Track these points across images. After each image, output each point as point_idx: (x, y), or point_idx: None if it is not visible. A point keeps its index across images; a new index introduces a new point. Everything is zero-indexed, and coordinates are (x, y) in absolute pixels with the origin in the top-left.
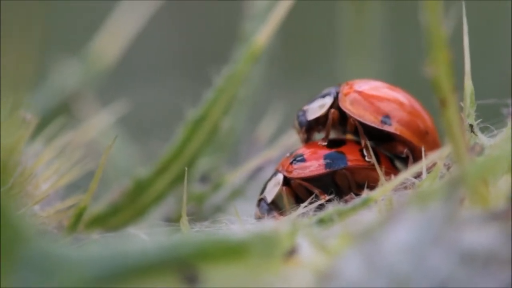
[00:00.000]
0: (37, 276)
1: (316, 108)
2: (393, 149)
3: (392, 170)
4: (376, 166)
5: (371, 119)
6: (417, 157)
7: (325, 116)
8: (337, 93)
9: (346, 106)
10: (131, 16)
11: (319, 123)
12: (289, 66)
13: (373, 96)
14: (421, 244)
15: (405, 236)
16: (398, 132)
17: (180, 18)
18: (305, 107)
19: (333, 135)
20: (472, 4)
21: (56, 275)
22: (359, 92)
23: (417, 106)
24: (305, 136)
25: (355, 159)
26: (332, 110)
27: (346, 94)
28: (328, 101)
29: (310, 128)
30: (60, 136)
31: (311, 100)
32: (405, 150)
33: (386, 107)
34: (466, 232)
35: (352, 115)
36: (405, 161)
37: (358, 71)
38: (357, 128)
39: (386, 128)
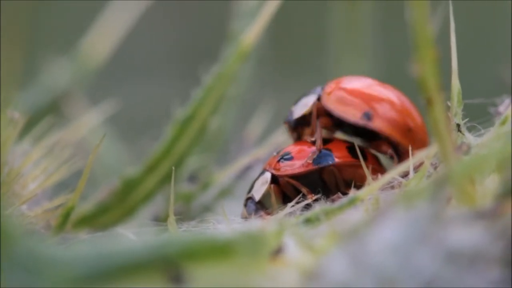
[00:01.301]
0: (25, 275)
1: (301, 107)
2: (378, 148)
3: (379, 168)
4: (362, 162)
5: (351, 116)
6: (406, 156)
7: (310, 114)
8: (319, 92)
9: (327, 103)
10: (121, 15)
11: (306, 121)
12: (278, 64)
13: (355, 93)
14: (408, 243)
15: (392, 235)
16: (378, 129)
17: (170, 17)
18: (292, 107)
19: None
20: (459, 3)
21: (44, 274)
22: (341, 89)
23: (404, 103)
24: (294, 135)
25: (342, 156)
26: (316, 107)
27: (328, 92)
28: (312, 99)
29: (297, 126)
30: (49, 135)
31: (297, 100)
32: (389, 151)
33: (367, 104)
34: (452, 231)
35: (333, 112)
36: (392, 161)
37: (349, 69)
38: (344, 126)
39: (366, 124)
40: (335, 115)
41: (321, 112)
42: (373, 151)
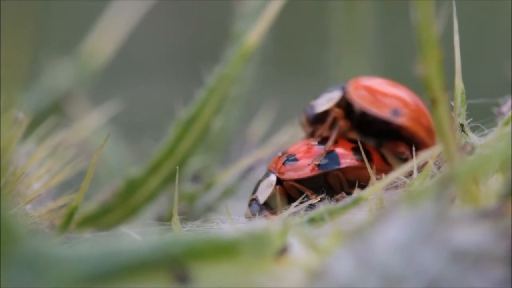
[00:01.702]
0: (29, 275)
1: (324, 102)
2: (395, 149)
3: (384, 167)
4: (368, 166)
5: (381, 112)
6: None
7: (331, 110)
8: (344, 89)
9: (355, 98)
10: (123, 16)
11: (326, 117)
12: (281, 65)
13: (382, 90)
14: (412, 242)
15: (396, 234)
16: (405, 125)
17: (172, 17)
18: (313, 102)
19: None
20: (462, 3)
21: (48, 274)
22: (368, 87)
23: (421, 104)
24: (310, 130)
25: (347, 159)
26: (336, 109)
27: (356, 88)
28: (337, 94)
29: (315, 122)
30: (52, 135)
31: (318, 95)
32: (407, 152)
33: (394, 101)
34: (456, 230)
35: (361, 107)
36: (401, 161)
37: (350, 69)
38: (364, 125)
39: (394, 120)
40: (362, 110)
41: (343, 109)
42: (389, 151)
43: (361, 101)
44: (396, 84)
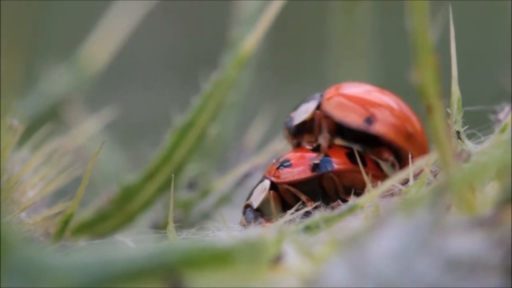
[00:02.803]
0: (24, 283)
1: (301, 113)
2: (379, 155)
3: (379, 173)
4: (362, 169)
5: (353, 120)
6: (406, 163)
7: (310, 120)
8: (321, 98)
9: (328, 109)
10: (120, 22)
11: (306, 127)
12: (277, 71)
13: (356, 99)
14: (408, 251)
15: (392, 243)
16: (380, 133)
17: (169, 23)
18: (292, 114)
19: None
20: (459, 9)
21: (43, 282)
22: (342, 95)
23: (404, 109)
24: (294, 141)
25: (341, 162)
26: (317, 113)
27: (328, 98)
28: (312, 105)
29: (297, 133)
30: (48, 142)
31: (297, 106)
32: (390, 158)
33: (369, 109)
34: (452, 238)
35: (334, 117)
36: (393, 167)
37: (348, 75)
38: (345, 133)
39: (368, 128)
40: (336, 120)
41: (321, 118)
42: (374, 158)
43: (332, 111)
44: (378, 90)
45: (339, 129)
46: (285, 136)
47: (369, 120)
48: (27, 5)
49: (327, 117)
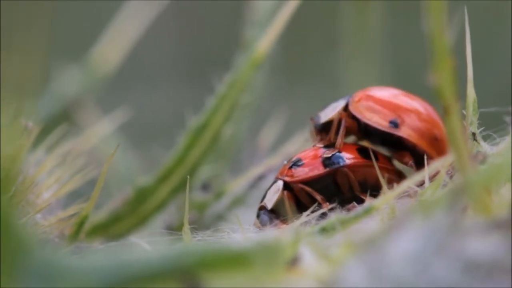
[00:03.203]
0: (41, 285)
1: (329, 111)
2: (401, 159)
3: (391, 167)
4: (374, 162)
5: (379, 122)
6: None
7: (336, 119)
8: (350, 99)
9: (356, 109)
10: (132, 23)
11: (331, 126)
12: (290, 73)
13: (383, 102)
14: (425, 253)
15: (409, 245)
16: (405, 136)
17: (180, 24)
18: (320, 112)
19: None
20: (473, 10)
21: (59, 284)
22: (369, 97)
23: (430, 112)
24: (318, 138)
25: (353, 157)
26: (343, 113)
27: (356, 99)
28: (341, 104)
29: (323, 131)
30: (62, 144)
31: (325, 106)
32: (410, 162)
33: (395, 112)
34: (469, 241)
35: (361, 118)
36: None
37: (360, 77)
38: (371, 135)
39: (393, 131)
40: (362, 122)
41: (349, 119)
42: (390, 156)
43: (359, 113)
44: (405, 94)
45: (364, 132)
46: (311, 133)
47: (394, 123)
48: (41, 7)
49: (353, 118)
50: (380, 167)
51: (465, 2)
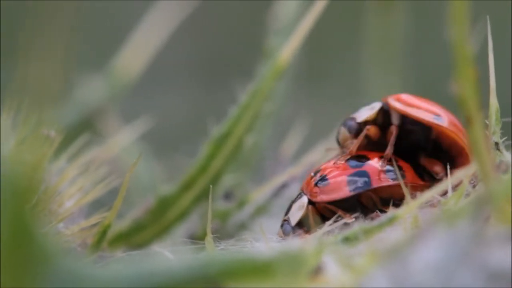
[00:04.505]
0: None
1: (366, 111)
2: (432, 166)
3: (418, 182)
4: (402, 183)
5: (425, 116)
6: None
7: (373, 120)
8: (385, 100)
9: (399, 106)
10: (153, 30)
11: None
12: (312, 81)
13: (420, 103)
14: (449, 262)
15: (433, 254)
16: (451, 129)
17: (199, 31)
18: (353, 115)
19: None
20: (497, 20)
21: None
22: (408, 97)
23: (456, 120)
24: (348, 143)
25: (379, 178)
26: (368, 126)
27: (396, 99)
28: (377, 105)
29: (359, 132)
30: (84, 153)
31: (357, 110)
32: (441, 174)
33: (435, 109)
34: (493, 250)
35: (408, 110)
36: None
37: (383, 87)
38: (403, 138)
39: (440, 123)
40: (405, 115)
41: (382, 122)
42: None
43: (404, 108)
44: (431, 102)
45: (401, 133)
46: (341, 139)
47: (438, 117)
48: (63, 15)
49: (388, 119)
50: (407, 185)
51: (488, 11)
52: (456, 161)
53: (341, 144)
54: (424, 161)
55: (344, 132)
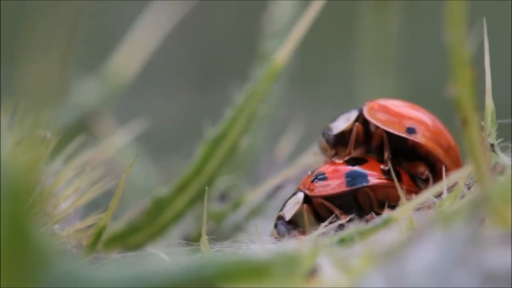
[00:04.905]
0: None
1: (342, 122)
2: (415, 169)
3: (414, 188)
4: (397, 184)
5: (397, 129)
6: (440, 176)
7: (350, 130)
8: (361, 109)
9: (373, 116)
10: (148, 32)
11: (345, 138)
12: (307, 83)
13: (397, 111)
14: (445, 264)
15: (429, 256)
16: (423, 142)
17: (194, 33)
18: (331, 124)
19: (356, 153)
20: (493, 22)
21: None
22: (384, 106)
23: (438, 123)
24: (332, 153)
25: (376, 177)
26: (357, 124)
27: (371, 107)
28: (353, 114)
29: (336, 143)
30: (80, 154)
31: (335, 118)
32: (426, 172)
33: (410, 120)
34: (489, 252)
35: (379, 124)
36: (426, 182)
37: (378, 88)
38: (380, 144)
39: (412, 137)
40: (380, 128)
41: (360, 127)
42: (408, 171)
43: (377, 118)
44: (413, 105)
45: (378, 144)
46: (321, 148)
47: (411, 130)
48: (60, 17)
49: (367, 129)
50: (403, 188)
51: (485, 12)
52: (436, 166)
53: (322, 153)
54: (406, 166)
55: (323, 142)
